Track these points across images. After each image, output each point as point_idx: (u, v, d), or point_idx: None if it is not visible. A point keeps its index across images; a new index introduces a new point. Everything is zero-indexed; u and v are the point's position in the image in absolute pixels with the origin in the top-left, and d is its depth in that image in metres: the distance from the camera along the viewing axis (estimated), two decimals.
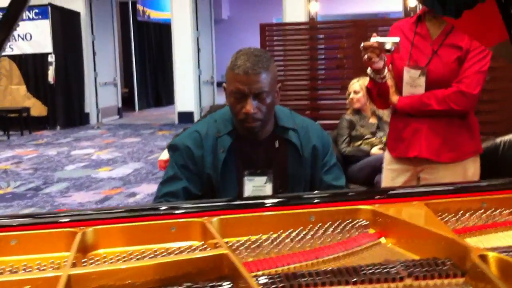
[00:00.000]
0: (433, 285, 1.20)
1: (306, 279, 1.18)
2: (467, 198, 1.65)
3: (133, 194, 6.12)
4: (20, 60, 11.76)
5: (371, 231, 1.53)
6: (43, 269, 1.26)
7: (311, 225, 1.51)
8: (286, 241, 1.43)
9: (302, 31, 6.29)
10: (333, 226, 1.51)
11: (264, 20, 8.35)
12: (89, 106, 12.64)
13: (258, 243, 1.40)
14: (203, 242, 1.42)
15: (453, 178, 2.54)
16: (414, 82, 2.60)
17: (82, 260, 1.32)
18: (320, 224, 1.51)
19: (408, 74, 2.62)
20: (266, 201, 1.63)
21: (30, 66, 11.79)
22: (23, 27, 11.62)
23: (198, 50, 12.33)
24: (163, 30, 16.22)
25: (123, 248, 1.41)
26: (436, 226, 1.39)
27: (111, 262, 1.30)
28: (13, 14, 1.46)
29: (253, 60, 1.92)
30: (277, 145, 2.08)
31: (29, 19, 11.60)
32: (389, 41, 2.39)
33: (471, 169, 2.61)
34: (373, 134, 4.53)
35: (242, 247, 1.39)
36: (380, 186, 3.46)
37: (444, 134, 2.59)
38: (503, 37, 1.36)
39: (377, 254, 1.41)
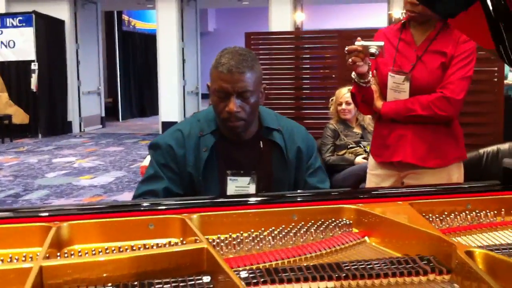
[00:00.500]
0: (418, 282, 1.17)
1: (287, 274, 1.14)
2: (452, 199, 1.63)
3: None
4: (2, 68, 11.64)
5: (355, 230, 1.50)
6: (15, 263, 1.21)
7: (293, 224, 1.47)
8: (268, 238, 1.40)
9: (287, 41, 6.29)
10: (316, 225, 1.47)
11: None
12: (72, 115, 12.53)
13: (239, 240, 1.36)
14: (182, 239, 1.38)
15: (437, 183, 2.52)
16: (398, 87, 2.59)
17: (57, 254, 1.27)
18: (303, 222, 1.48)
19: (393, 79, 2.60)
20: (247, 199, 1.60)
21: (12, 74, 11.67)
22: (6, 34, 11.52)
23: (183, 61, 12.31)
24: (148, 40, 16.19)
25: (99, 244, 1.36)
26: (421, 224, 1.36)
27: (86, 256, 1.26)
28: None
29: (238, 58, 1.89)
30: (261, 146, 2.05)
31: (13, 26, 11.51)
32: (374, 45, 2.38)
33: (455, 175, 2.60)
34: (357, 143, 4.51)
35: (223, 244, 1.35)
36: None
37: (429, 140, 2.57)
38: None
39: (361, 252, 1.38)
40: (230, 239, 1.37)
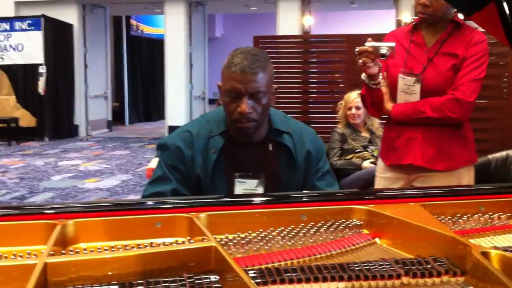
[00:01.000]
0: (432, 284, 1.14)
1: (297, 274, 1.11)
2: (464, 201, 1.59)
3: None
4: (10, 71, 11.67)
5: (365, 231, 1.47)
6: (19, 259, 1.18)
7: (302, 224, 1.44)
8: (277, 238, 1.37)
9: (296, 45, 6.27)
10: (326, 226, 1.44)
11: None
12: (79, 119, 12.54)
13: (247, 240, 1.34)
14: (189, 238, 1.36)
15: None
16: (408, 89, 2.56)
17: (62, 252, 1.25)
18: (312, 223, 1.45)
19: (403, 81, 2.57)
20: (256, 198, 1.57)
21: (20, 77, 11.69)
22: (15, 37, 11.56)
23: (191, 65, 12.31)
24: (156, 45, 16.21)
25: (104, 243, 1.34)
26: (433, 225, 1.33)
27: (91, 253, 1.23)
28: None
29: (251, 59, 1.86)
30: (270, 148, 2.02)
31: (22, 30, 11.54)
32: (385, 46, 2.35)
33: (465, 178, 2.56)
34: (365, 147, 4.48)
35: (231, 243, 1.32)
36: None
37: (438, 143, 2.54)
38: None
39: (372, 253, 1.35)
40: (238, 238, 1.34)
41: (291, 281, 1.09)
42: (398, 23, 9.10)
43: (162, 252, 1.14)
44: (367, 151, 4.45)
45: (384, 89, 2.62)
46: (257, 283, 1.08)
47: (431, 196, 1.62)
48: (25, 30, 11.55)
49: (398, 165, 2.61)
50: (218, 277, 1.10)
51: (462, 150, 2.57)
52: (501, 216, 1.54)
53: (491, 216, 1.54)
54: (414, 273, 1.14)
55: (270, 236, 1.36)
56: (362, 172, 4.28)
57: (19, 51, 11.63)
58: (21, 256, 1.21)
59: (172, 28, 12.01)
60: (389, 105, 2.62)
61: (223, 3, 14.05)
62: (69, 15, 12.27)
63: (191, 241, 1.32)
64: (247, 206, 1.49)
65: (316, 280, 1.10)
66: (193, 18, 12.31)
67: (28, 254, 1.23)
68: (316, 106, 6.27)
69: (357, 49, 2.39)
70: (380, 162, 2.75)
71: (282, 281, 1.09)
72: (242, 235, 1.35)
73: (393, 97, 2.64)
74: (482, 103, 5.17)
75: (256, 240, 1.34)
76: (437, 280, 1.14)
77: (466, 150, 2.58)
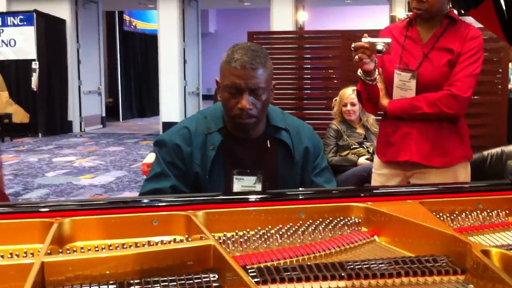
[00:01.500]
0: (432, 282, 1.13)
1: (297, 272, 1.10)
2: (462, 198, 1.59)
3: None
4: (3, 66, 11.58)
5: (364, 229, 1.46)
6: (16, 258, 1.17)
7: (301, 222, 1.43)
8: (275, 236, 1.36)
9: (290, 40, 6.26)
10: (324, 224, 1.44)
11: None
12: (72, 115, 12.48)
13: (245, 238, 1.33)
14: (187, 236, 1.35)
15: None
16: (404, 85, 2.55)
17: (59, 251, 1.23)
18: (310, 221, 1.44)
19: (399, 77, 2.57)
20: (254, 196, 1.56)
21: (13, 73, 11.61)
22: (7, 33, 11.48)
23: (184, 61, 12.26)
24: (149, 40, 16.14)
25: (101, 241, 1.33)
26: (432, 223, 1.32)
27: (88, 252, 1.22)
28: None
29: (251, 54, 1.85)
30: (268, 145, 2.01)
31: (14, 25, 11.46)
32: (381, 42, 2.34)
33: (462, 175, 2.56)
34: (360, 144, 4.47)
35: (229, 241, 1.31)
36: None
37: (434, 139, 2.53)
38: None
39: (371, 251, 1.34)
40: (236, 236, 1.33)
41: (290, 280, 1.09)
42: (392, 18, 9.09)
43: (161, 250, 1.13)
44: (362, 147, 4.44)
45: (380, 85, 2.62)
46: (257, 282, 1.07)
47: (429, 193, 1.61)
48: (18, 25, 11.47)
49: (395, 161, 2.61)
50: (217, 276, 1.09)
51: (458, 146, 2.57)
52: (500, 213, 1.54)
53: (489, 214, 1.53)
54: (414, 271, 1.13)
55: (268, 234, 1.35)
56: (358, 168, 4.28)
57: (12, 46, 11.55)
58: (17, 255, 1.19)
59: (165, 23, 11.96)
60: (385, 101, 2.62)
61: None
62: (62, 10, 12.18)
63: (189, 239, 1.31)
64: (245, 203, 1.48)
65: (316, 279, 1.10)
66: (187, 13, 12.26)
67: (25, 252, 1.22)
68: (310, 102, 6.26)
69: (353, 45, 2.39)
70: (376, 159, 2.75)
71: (282, 280, 1.08)
72: (240, 233, 1.34)
73: (389, 93, 2.64)
74: (476, 99, 5.17)
75: (254, 238, 1.34)
76: (437, 278, 1.14)
77: (462, 146, 2.58)
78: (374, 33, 2.64)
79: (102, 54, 13.85)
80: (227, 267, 1.07)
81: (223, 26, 21.03)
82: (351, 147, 4.45)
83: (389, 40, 2.35)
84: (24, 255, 1.20)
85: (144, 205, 1.44)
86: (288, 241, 1.35)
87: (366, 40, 2.36)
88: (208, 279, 1.07)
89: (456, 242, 1.19)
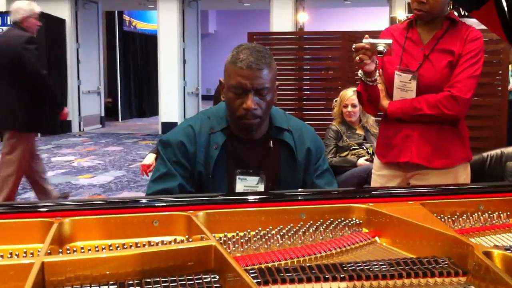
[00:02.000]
0: (433, 283, 1.13)
1: (298, 273, 1.10)
2: (463, 199, 1.59)
3: None
4: None
5: (365, 230, 1.46)
6: (15, 258, 1.17)
7: (301, 223, 1.43)
8: (276, 237, 1.35)
9: (290, 41, 6.25)
10: (325, 224, 1.43)
11: None
12: (72, 114, 12.43)
13: (246, 239, 1.32)
14: (187, 236, 1.34)
15: None
16: (405, 86, 2.55)
17: (59, 251, 1.23)
18: (311, 222, 1.44)
19: (399, 78, 2.56)
20: (254, 197, 1.56)
21: None
22: None
23: (184, 61, 12.25)
24: (149, 41, 16.12)
25: (101, 241, 1.32)
26: (434, 224, 1.32)
27: (89, 253, 1.21)
28: None
29: (256, 55, 1.85)
30: (271, 145, 2.01)
31: None
32: (382, 43, 2.34)
33: (462, 176, 2.56)
34: (360, 145, 4.47)
35: (230, 242, 1.31)
36: None
37: (435, 141, 2.53)
38: None
39: (372, 253, 1.34)
40: (237, 237, 1.33)
41: (292, 281, 1.08)
42: (392, 20, 9.09)
43: (161, 251, 1.13)
44: (362, 148, 4.44)
45: (380, 86, 2.61)
46: (258, 283, 1.06)
47: (431, 194, 1.61)
48: None
49: (395, 163, 2.60)
50: (218, 277, 1.09)
51: (459, 147, 2.56)
52: (501, 215, 1.53)
53: (490, 215, 1.53)
54: (416, 272, 1.13)
55: (269, 235, 1.35)
56: (357, 169, 4.27)
57: None
58: (17, 255, 1.19)
59: (165, 23, 11.95)
60: (385, 102, 2.61)
61: None
62: (62, 10, 12.17)
63: (189, 239, 1.31)
64: (246, 204, 1.48)
65: (317, 280, 1.09)
66: (186, 13, 12.26)
67: (25, 252, 1.21)
68: (310, 103, 6.26)
69: (354, 46, 2.38)
70: (376, 160, 2.74)
71: (283, 281, 1.08)
72: (241, 234, 1.34)
73: (389, 94, 2.63)
74: (476, 101, 5.17)
75: (255, 239, 1.33)
76: (438, 280, 1.13)
77: (462, 147, 2.58)
78: (374, 34, 2.64)
79: (101, 54, 13.83)
80: (228, 268, 1.07)
81: (223, 26, 21.04)
82: (351, 148, 4.44)
83: (390, 41, 2.35)
84: (24, 255, 1.20)
85: (144, 205, 1.44)
86: (289, 242, 1.35)
87: (367, 41, 2.36)
88: (209, 280, 1.07)
89: (458, 243, 1.19)
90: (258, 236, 1.34)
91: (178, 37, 11.93)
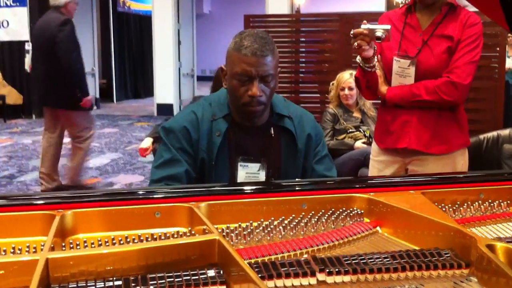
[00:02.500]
0: (436, 276, 1.14)
1: (302, 267, 1.10)
2: (464, 188, 1.59)
3: (111, 184, 5.99)
4: None
5: (366, 220, 1.46)
6: (19, 253, 1.17)
7: (303, 213, 1.43)
8: (279, 228, 1.36)
9: (287, 24, 6.21)
10: (327, 215, 1.44)
11: None
12: None
13: (249, 230, 1.32)
14: (190, 228, 1.34)
15: (442, 170, 2.48)
16: (403, 72, 2.54)
17: (61, 244, 1.23)
18: (313, 212, 1.44)
19: (398, 64, 2.56)
20: (256, 187, 1.56)
21: (6, 54, 11.52)
22: (0, 14, 11.35)
23: (179, 42, 12.17)
24: (144, 21, 15.99)
25: (103, 233, 1.33)
26: (436, 215, 1.32)
27: (92, 247, 1.21)
28: None
29: (260, 42, 1.84)
30: (272, 132, 2.00)
31: (7, 6, 11.33)
32: (380, 29, 2.32)
33: (460, 162, 2.56)
34: (357, 128, 4.47)
35: (232, 234, 1.31)
36: None
37: (433, 126, 2.53)
38: None
39: (374, 243, 1.35)
40: (240, 229, 1.33)
41: (296, 275, 1.09)
42: (391, 2, 9.04)
43: (165, 246, 1.13)
44: (359, 131, 4.44)
45: (378, 72, 2.60)
46: (262, 278, 1.07)
47: (432, 183, 1.61)
48: (10, 6, 11.35)
49: (393, 148, 2.60)
50: (222, 271, 1.09)
51: (457, 133, 2.57)
52: (501, 203, 1.54)
53: (491, 204, 1.53)
54: (419, 265, 1.13)
55: (271, 226, 1.35)
56: (355, 152, 4.28)
57: (4, 27, 11.44)
58: (20, 249, 1.19)
59: (159, 4, 11.84)
60: (383, 88, 2.61)
61: None
62: None
63: (192, 231, 1.31)
64: (247, 195, 1.48)
65: (322, 272, 1.10)
66: None
67: (28, 246, 1.21)
68: (306, 86, 6.23)
69: (352, 32, 2.37)
70: (374, 146, 2.74)
71: (287, 275, 1.08)
72: (244, 225, 1.34)
73: (388, 80, 2.63)
74: (472, 83, 5.16)
75: (257, 230, 1.33)
76: (441, 272, 1.14)
77: (460, 133, 2.58)
78: (373, 16, 2.62)
79: (95, 35, 13.74)
80: (232, 262, 1.07)
81: (217, 7, 20.87)
82: (348, 131, 4.45)
83: (388, 26, 2.33)
84: (27, 249, 1.19)
85: (146, 197, 1.43)
86: (291, 233, 1.35)
87: (365, 26, 2.34)
88: (213, 274, 1.07)
89: (461, 235, 1.19)
90: (261, 228, 1.35)
91: (172, 18, 11.83)
